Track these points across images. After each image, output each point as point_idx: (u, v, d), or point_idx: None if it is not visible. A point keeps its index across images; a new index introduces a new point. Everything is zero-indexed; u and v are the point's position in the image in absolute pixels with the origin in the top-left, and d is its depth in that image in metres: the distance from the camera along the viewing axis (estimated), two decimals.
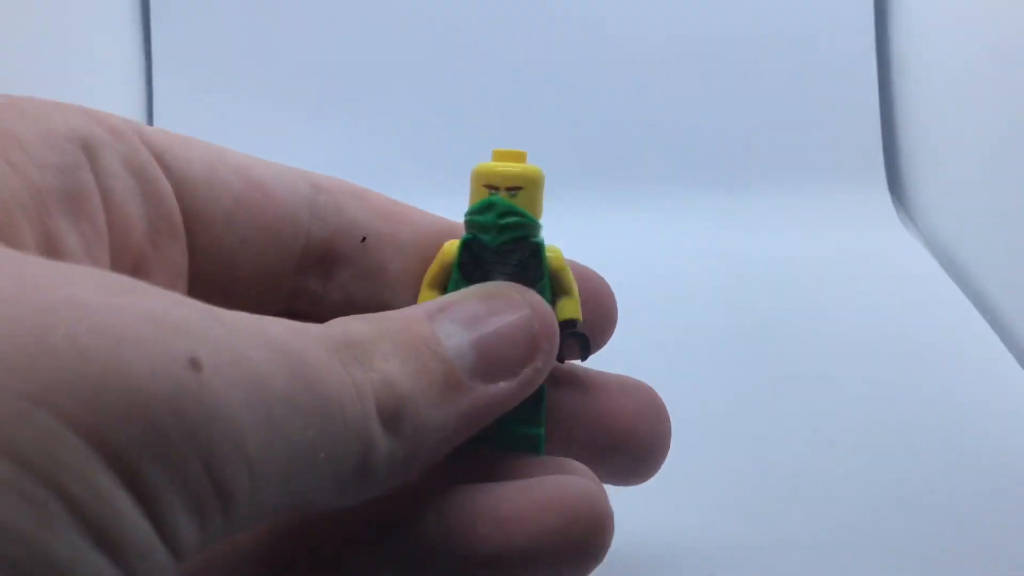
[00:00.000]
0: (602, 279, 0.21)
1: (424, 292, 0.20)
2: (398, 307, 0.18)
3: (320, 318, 0.17)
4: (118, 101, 0.48)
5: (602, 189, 0.50)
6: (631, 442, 0.20)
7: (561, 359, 0.19)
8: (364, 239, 0.20)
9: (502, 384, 0.16)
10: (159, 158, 0.18)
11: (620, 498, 0.19)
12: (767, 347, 0.38)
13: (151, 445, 0.11)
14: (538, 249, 0.19)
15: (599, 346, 0.22)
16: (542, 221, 0.19)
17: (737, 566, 0.27)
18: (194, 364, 0.12)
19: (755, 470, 0.31)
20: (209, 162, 0.18)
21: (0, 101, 0.16)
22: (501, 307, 0.17)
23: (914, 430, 0.33)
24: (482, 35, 0.52)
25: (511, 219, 0.19)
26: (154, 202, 0.17)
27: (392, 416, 0.15)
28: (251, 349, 0.13)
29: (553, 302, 0.19)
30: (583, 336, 0.19)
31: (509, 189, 0.19)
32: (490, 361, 0.16)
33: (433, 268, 0.19)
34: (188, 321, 0.13)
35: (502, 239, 0.19)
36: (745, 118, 0.51)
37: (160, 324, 0.12)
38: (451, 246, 0.19)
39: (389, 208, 0.20)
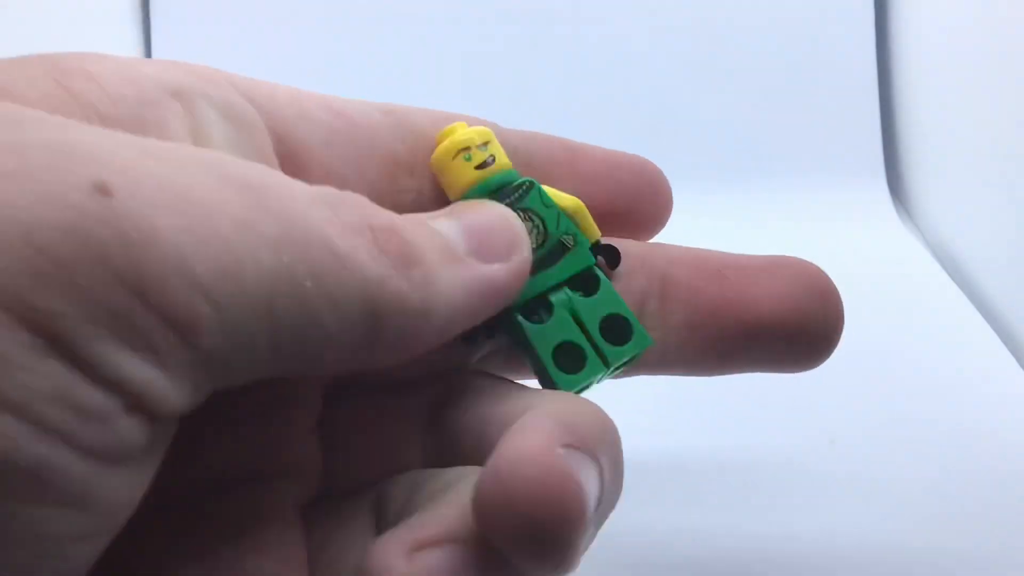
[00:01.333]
0: (650, 163, 0.22)
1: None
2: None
3: None
4: None
5: None
6: (776, 328, 0.19)
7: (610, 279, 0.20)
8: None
9: (496, 266, 0.17)
10: (253, 102, 0.18)
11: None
12: None
13: (46, 276, 0.10)
14: (532, 186, 0.20)
15: (660, 227, 0.23)
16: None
17: (736, 566, 0.27)
18: (99, 188, 0.11)
19: (755, 469, 0.31)
20: (295, 99, 0.19)
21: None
22: (479, 207, 0.18)
23: (914, 429, 0.33)
24: (480, 36, 0.52)
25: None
26: (250, 144, 0.17)
27: (400, 257, 0.15)
28: (189, 178, 0.12)
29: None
30: (608, 248, 0.20)
31: (481, 147, 0.20)
32: (481, 242, 0.17)
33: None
34: (95, 146, 0.12)
35: (499, 177, 0.20)
36: (745, 117, 0.51)
37: (55, 151, 0.11)
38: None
39: (450, 115, 0.21)
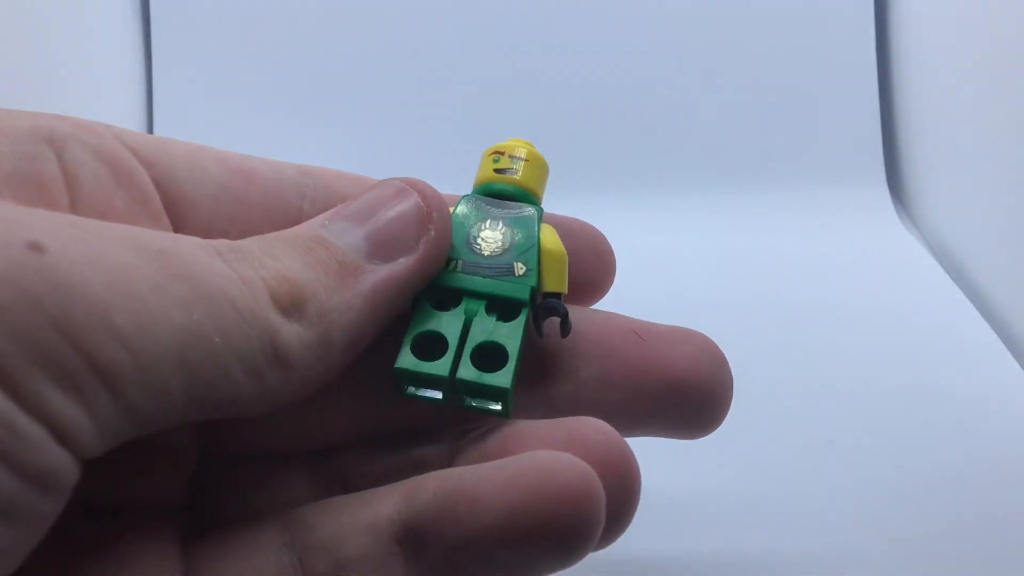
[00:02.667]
0: (594, 228, 0.22)
1: None
2: None
3: None
4: (118, 105, 0.48)
5: (603, 189, 0.50)
6: (689, 390, 0.20)
7: (540, 334, 0.20)
8: None
9: (402, 260, 0.17)
10: (136, 153, 0.18)
11: None
12: (767, 346, 0.38)
13: (5, 335, 0.12)
14: (533, 213, 0.20)
15: (601, 294, 0.22)
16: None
17: (736, 565, 0.27)
18: (34, 246, 0.13)
19: (754, 468, 0.31)
20: (189, 154, 0.19)
21: None
22: (388, 197, 0.18)
23: (914, 429, 0.33)
24: (480, 40, 0.52)
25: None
26: (129, 189, 0.18)
27: (291, 303, 0.16)
28: (110, 246, 0.14)
29: (539, 273, 0.20)
30: (563, 310, 0.19)
31: (513, 157, 0.20)
32: (384, 244, 0.17)
33: None
34: (26, 215, 0.13)
35: (503, 184, 0.20)
36: (745, 118, 0.51)
37: None
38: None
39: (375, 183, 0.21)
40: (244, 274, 0.15)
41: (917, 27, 0.51)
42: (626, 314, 0.21)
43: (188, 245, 0.15)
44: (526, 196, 0.20)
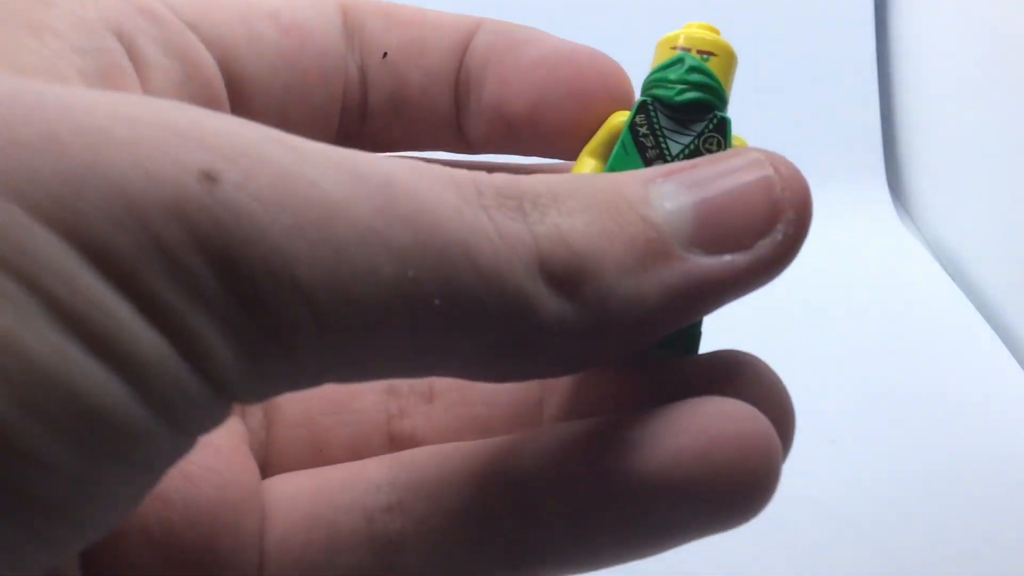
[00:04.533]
0: (606, 59, 0.18)
1: (582, 160, 0.17)
2: (429, 133, 0.16)
3: None
4: None
5: None
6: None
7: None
8: (385, 55, 0.18)
9: (728, 258, 0.13)
10: (196, 29, 0.16)
11: None
12: (767, 346, 0.38)
13: (148, 252, 0.10)
14: (724, 124, 0.16)
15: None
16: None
17: (736, 565, 0.27)
18: (207, 176, 0.11)
19: None
20: (244, 16, 0.17)
21: None
22: (736, 165, 0.14)
23: (914, 429, 0.33)
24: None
25: (700, 77, 0.16)
26: (196, 81, 0.16)
27: (566, 274, 0.12)
28: (315, 171, 0.11)
29: None
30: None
31: (701, 52, 0.16)
32: (714, 227, 0.13)
33: (598, 135, 0.17)
34: (211, 132, 0.11)
35: (687, 97, 0.16)
36: (745, 118, 0.51)
37: (168, 130, 0.11)
38: (619, 115, 0.17)
39: (409, 16, 0.18)
40: (507, 227, 0.12)
41: (917, 27, 0.51)
42: None
43: (434, 179, 0.12)
44: (721, 104, 0.17)
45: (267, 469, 0.17)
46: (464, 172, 0.12)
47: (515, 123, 0.17)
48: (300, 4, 0.18)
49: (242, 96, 0.17)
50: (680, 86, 0.16)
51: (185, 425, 0.11)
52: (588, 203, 0.13)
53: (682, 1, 0.52)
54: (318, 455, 0.17)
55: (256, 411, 0.17)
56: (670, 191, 0.13)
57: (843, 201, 0.50)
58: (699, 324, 0.16)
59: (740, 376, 0.16)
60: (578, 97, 0.17)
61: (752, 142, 0.17)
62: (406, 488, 0.15)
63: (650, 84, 0.16)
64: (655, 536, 0.14)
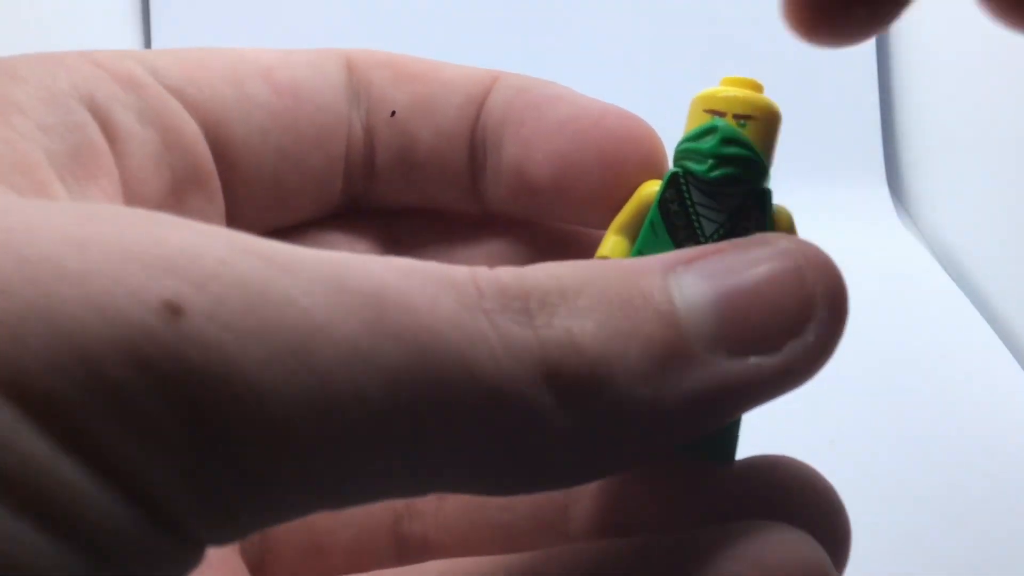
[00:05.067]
0: (631, 115, 0.16)
1: (608, 239, 0.15)
2: (441, 194, 0.15)
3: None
4: None
5: None
6: None
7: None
8: (393, 114, 0.16)
9: (753, 360, 0.12)
10: (179, 94, 0.15)
11: None
12: None
13: (103, 405, 0.09)
14: (764, 197, 0.15)
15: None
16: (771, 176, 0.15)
17: None
18: (170, 308, 0.09)
19: None
20: (234, 79, 0.16)
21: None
22: (761, 256, 0.12)
23: (914, 429, 0.33)
24: (475, 39, 0.52)
25: (735, 149, 0.14)
26: (177, 152, 0.15)
27: (576, 385, 0.11)
28: (294, 288, 0.10)
29: None
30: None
31: (737, 117, 0.15)
32: (739, 326, 0.12)
33: (626, 209, 0.15)
34: (176, 251, 0.10)
35: (721, 172, 0.14)
36: None
37: (126, 255, 0.10)
38: (650, 186, 0.15)
39: (419, 71, 0.17)
40: (512, 335, 0.11)
41: (917, 28, 0.51)
42: None
43: (429, 283, 0.11)
44: (759, 175, 0.15)
45: (263, 574, 0.16)
46: (463, 271, 0.11)
47: (538, 188, 0.16)
48: (299, 60, 0.17)
49: (231, 161, 0.16)
50: (712, 160, 0.15)
51: None
52: (601, 300, 0.12)
53: (684, 3, 0.52)
54: (318, 559, 0.16)
55: None
56: (690, 282, 0.12)
57: (843, 201, 0.50)
58: (735, 427, 0.15)
59: (795, 495, 0.14)
60: (607, 163, 0.16)
61: None
62: None
63: (681, 154, 0.15)
64: None
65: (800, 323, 0.12)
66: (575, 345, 0.11)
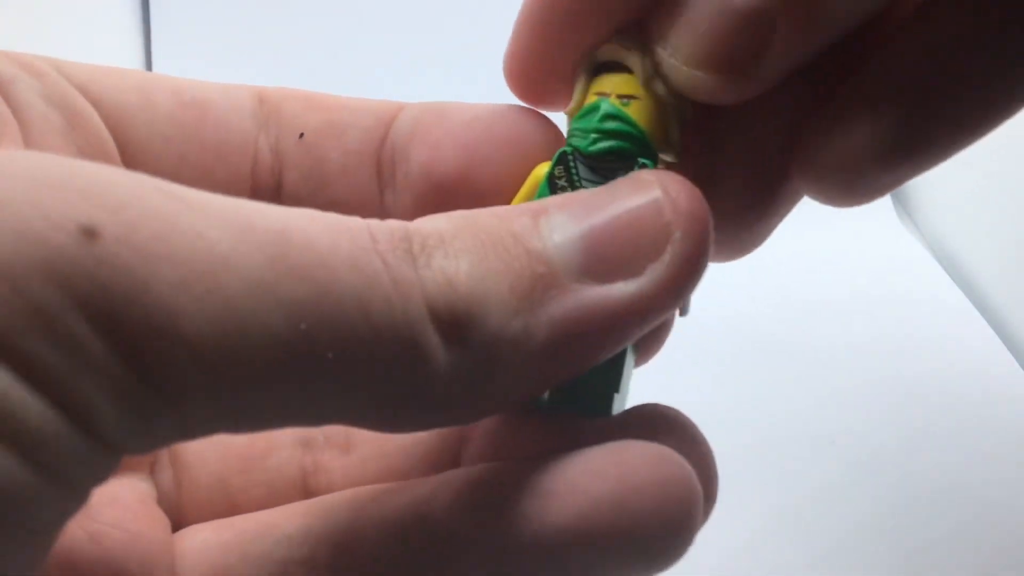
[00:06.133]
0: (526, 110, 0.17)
1: None
2: (350, 211, 0.16)
3: None
4: None
5: None
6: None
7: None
8: (302, 135, 0.17)
9: (619, 284, 0.13)
10: (83, 90, 0.16)
11: None
12: (767, 346, 0.38)
13: (26, 318, 0.10)
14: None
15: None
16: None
17: (736, 565, 0.27)
18: (86, 231, 0.10)
19: (755, 469, 0.31)
20: (140, 87, 0.17)
21: None
22: (624, 191, 0.13)
23: (914, 429, 0.33)
24: (474, 40, 0.52)
25: (615, 125, 0.15)
26: (81, 132, 0.16)
27: (452, 321, 0.12)
28: (202, 222, 0.11)
29: None
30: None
31: (621, 96, 0.16)
32: (602, 255, 0.13)
33: (522, 190, 0.16)
34: (91, 182, 0.11)
35: (601, 146, 0.15)
36: None
37: (41, 183, 0.10)
38: (543, 167, 0.16)
39: (330, 102, 0.18)
40: (401, 274, 0.12)
41: None
42: None
43: (327, 226, 0.12)
44: (642, 149, 0.15)
45: (179, 529, 0.16)
46: (357, 219, 0.12)
47: (447, 185, 0.17)
48: (209, 85, 0.17)
49: (132, 163, 0.16)
50: (594, 135, 0.15)
51: (74, 483, 0.11)
52: (475, 242, 0.13)
53: None
54: (232, 515, 0.16)
55: (166, 470, 0.17)
56: (560, 222, 0.13)
57: None
58: (612, 384, 0.15)
59: (658, 426, 0.15)
60: (512, 150, 0.16)
61: None
62: (319, 539, 0.14)
63: (570, 135, 0.16)
64: None
65: (658, 248, 0.13)
66: (450, 284, 0.12)
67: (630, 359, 0.15)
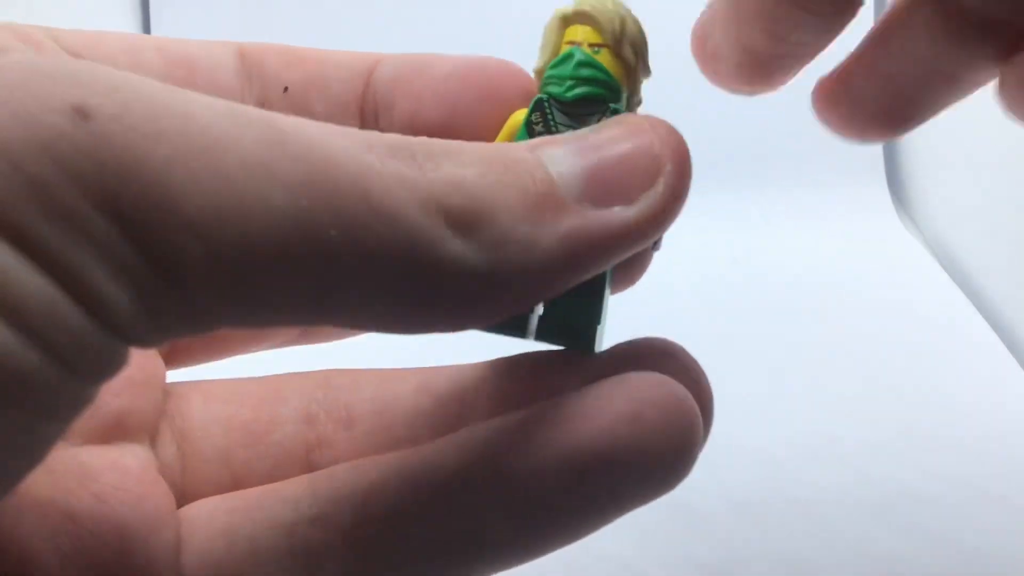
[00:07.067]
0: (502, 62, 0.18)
1: None
2: None
3: None
4: None
5: None
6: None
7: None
8: (286, 89, 0.18)
9: (616, 209, 0.14)
10: (77, 56, 0.16)
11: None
12: (767, 346, 0.38)
13: (26, 195, 0.10)
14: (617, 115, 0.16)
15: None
16: (642, 101, 0.17)
17: (736, 564, 0.27)
18: (79, 111, 0.10)
19: (755, 469, 0.31)
20: (128, 48, 0.17)
21: None
22: (620, 132, 0.15)
23: (914, 429, 0.33)
24: (473, 39, 0.52)
25: (589, 72, 0.17)
26: None
27: (463, 216, 0.12)
28: (194, 106, 0.11)
29: None
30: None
31: (592, 45, 0.17)
32: (602, 184, 0.14)
33: (501, 134, 0.17)
34: (83, 70, 0.11)
35: (577, 92, 0.16)
36: (746, 119, 0.51)
37: (35, 71, 0.11)
38: (520, 114, 0.17)
39: (309, 54, 0.18)
40: (403, 172, 0.12)
41: None
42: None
43: (321, 126, 0.12)
44: (613, 94, 0.17)
45: (183, 504, 0.16)
46: (353, 128, 0.13)
47: (429, 134, 0.17)
48: (187, 43, 0.18)
49: None
50: (570, 81, 0.16)
51: (81, 369, 0.11)
52: (480, 159, 0.13)
53: (684, 3, 0.52)
54: (236, 490, 0.17)
55: (169, 445, 0.17)
56: (559, 155, 0.14)
57: (843, 202, 0.50)
58: (595, 316, 0.16)
59: (652, 356, 0.16)
60: (492, 100, 0.17)
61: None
62: (327, 500, 0.15)
63: (545, 81, 0.17)
64: (587, 511, 0.14)
65: (651, 179, 0.14)
66: (460, 185, 0.13)
67: (607, 293, 0.16)
